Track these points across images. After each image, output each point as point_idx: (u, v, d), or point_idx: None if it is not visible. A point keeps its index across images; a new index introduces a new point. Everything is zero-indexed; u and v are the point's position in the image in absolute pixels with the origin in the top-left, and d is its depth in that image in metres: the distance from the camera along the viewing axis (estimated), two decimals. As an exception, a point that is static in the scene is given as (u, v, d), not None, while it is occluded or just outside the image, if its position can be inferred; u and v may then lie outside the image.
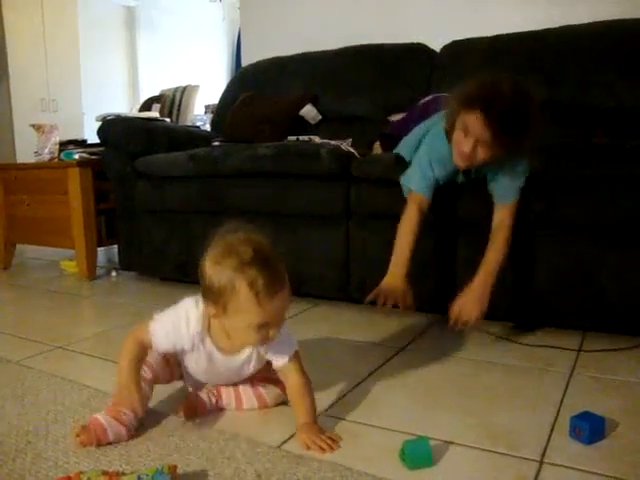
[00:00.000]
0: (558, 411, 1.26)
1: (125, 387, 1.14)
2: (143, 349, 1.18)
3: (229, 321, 1.09)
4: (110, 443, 1.13)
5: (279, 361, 1.19)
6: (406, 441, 1.07)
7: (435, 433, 1.15)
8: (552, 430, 1.17)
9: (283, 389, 1.26)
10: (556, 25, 2.40)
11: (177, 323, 1.15)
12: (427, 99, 2.23)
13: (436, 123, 1.74)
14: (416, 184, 1.71)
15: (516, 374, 1.49)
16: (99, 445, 1.12)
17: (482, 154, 1.55)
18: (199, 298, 1.15)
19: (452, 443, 1.13)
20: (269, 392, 1.29)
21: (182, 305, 1.18)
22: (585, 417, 1.12)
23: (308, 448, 1.11)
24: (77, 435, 1.13)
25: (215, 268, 1.06)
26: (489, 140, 1.50)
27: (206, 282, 1.07)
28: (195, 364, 1.22)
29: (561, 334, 1.75)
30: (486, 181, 1.70)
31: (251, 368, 1.23)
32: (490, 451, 1.10)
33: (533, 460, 1.06)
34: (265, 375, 1.30)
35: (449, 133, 1.62)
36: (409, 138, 1.88)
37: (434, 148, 1.71)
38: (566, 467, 1.04)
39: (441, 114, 1.71)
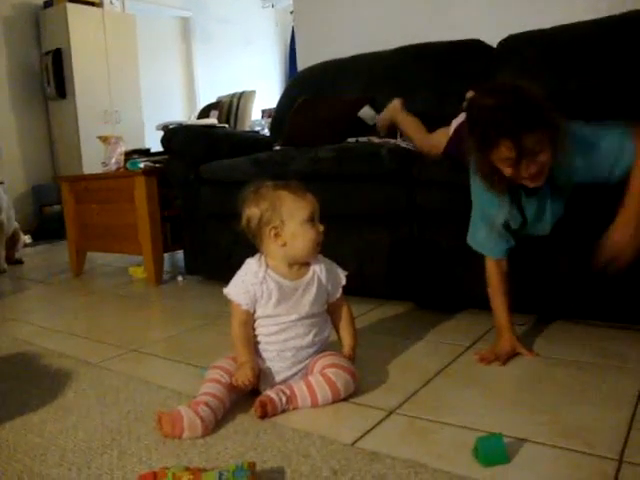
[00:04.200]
0: (635, 408, 1.22)
1: (239, 354, 1.37)
2: (242, 323, 1.39)
3: (288, 230, 1.35)
4: (183, 431, 1.19)
5: (339, 291, 1.46)
6: (479, 438, 1.07)
7: (508, 430, 1.14)
8: (630, 428, 1.14)
9: (352, 375, 1.36)
10: (617, 12, 2.32)
11: (242, 275, 1.41)
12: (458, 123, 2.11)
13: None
14: (485, 250, 1.63)
15: (589, 370, 1.46)
16: (175, 433, 1.19)
17: (541, 159, 1.36)
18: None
19: (526, 440, 1.12)
20: (339, 379, 1.32)
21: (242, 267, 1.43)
22: (665, 414, 1.09)
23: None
24: (158, 421, 1.22)
25: (258, 201, 1.37)
26: (531, 147, 1.33)
27: (257, 219, 1.37)
28: (269, 297, 1.37)
29: (632, 331, 1.71)
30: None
31: (314, 290, 1.40)
32: (566, 448, 1.08)
33: (612, 459, 1.04)
34: (334, 362, 1.35)
35: (489, 178, 1.46)
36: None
37: (481, 200, 1.61)
38: (648, 466, 1.01)
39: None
